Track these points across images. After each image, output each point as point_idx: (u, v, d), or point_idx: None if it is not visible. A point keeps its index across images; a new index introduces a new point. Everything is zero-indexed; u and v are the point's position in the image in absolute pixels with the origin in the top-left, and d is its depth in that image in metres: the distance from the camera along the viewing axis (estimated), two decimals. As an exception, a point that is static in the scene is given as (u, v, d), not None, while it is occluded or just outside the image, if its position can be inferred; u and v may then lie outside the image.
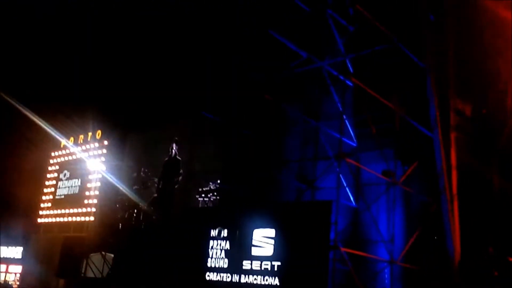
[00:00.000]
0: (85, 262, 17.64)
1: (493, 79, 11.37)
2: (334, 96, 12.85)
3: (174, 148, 15.82)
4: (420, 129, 11.86)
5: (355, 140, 12.92)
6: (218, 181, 15.06)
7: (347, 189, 12.47)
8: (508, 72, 11.54)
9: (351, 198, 12.60)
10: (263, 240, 11.15)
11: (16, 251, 24.23)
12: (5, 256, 24.25)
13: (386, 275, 11.60)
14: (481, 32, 11.15)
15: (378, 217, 11.88)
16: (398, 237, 11.63)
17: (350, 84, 11.88)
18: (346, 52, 11.89)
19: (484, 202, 11.15)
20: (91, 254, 17.63)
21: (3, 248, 25.32)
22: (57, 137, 20.71)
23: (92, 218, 18.88)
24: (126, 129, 19.40)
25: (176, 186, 15.49)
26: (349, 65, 12.26)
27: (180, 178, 15.21)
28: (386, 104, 11.70)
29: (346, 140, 12.47)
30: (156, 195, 15.65)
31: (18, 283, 22.66)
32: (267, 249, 11.06)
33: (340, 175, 11.71)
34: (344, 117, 12.06)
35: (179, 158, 15.66)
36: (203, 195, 15.16)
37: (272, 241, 10.99)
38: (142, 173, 16.70)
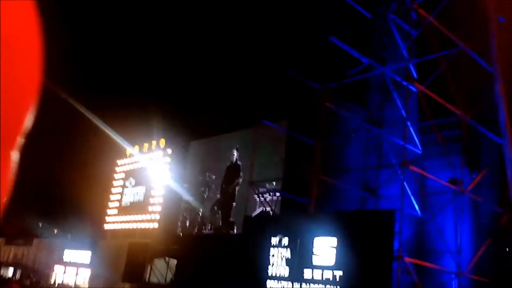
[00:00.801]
0: (149, 268, 18.01)
1: None
2: (398, 103, 12.55)
3: (235, 154, 16.57)
4: (488, 135, 11.38)
5: (420, 147, 12.55)
6: (274, 183, 15.11)
7: (411, 197, 12.11)
8: None
9: (416, 207, 12.23)
10: (325, 249, 10.98)
11: (85, 256, 25.10)
12: (75, 261, 25.18)
13: (453, 287, 11.16)
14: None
15: (445, 227, 11.45)
16: (465, 248, 11.17)
17: (414, 89, 11.57)
18: (409, 57, 11.59)
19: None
20: (155, 260, 17.98)
21: (74, 251, 26.28)
22: (123, 145, 21.32)
23: (156, 225, 19.27)
24: (189, 138, 19.75)
25: (237, 188, 16.21)
26: (413, 70, 11.94)
27: (241, 180, 15.91)
28: (452, 110, 11.31)
29: (410, 147, 12.13)
30: (219, 196, 16.62)
31: (87, 286, 23.43)
32: (329, 258, 10.88)
33: (404, 183, 11.41)
34: (408, 123, 11.74)
35: (239, 163, 16.37)
36: (260, 195, 15.36)
37: (334, 250, 10.79)
38: (206, 177, 17.55)
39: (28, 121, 0.41)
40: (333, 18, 12.57)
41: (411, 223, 11.88)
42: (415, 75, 12.10)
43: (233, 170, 16.42)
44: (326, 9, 12.77)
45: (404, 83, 11.91)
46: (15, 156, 0.41)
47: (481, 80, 11.31)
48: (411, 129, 12.29)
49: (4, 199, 0.41)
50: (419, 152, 12.49)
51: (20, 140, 0.41)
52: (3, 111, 0.37)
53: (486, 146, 11.51)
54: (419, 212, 12.19)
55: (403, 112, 12.23)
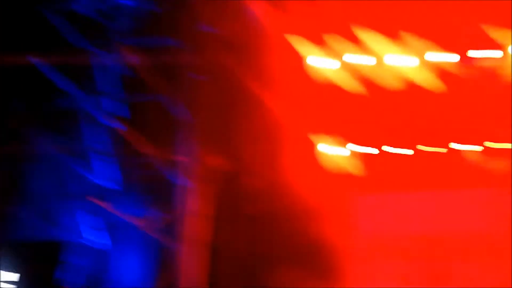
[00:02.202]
0: None
1: (243, 137, 12.59)
2: (91, 135, 12.67)
3: None
4: (170, 174, 12.39)
5: (108, 181, 12.83)
6: None
7: (94, 229, 12.23)
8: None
9: (99, 239, 12.39)
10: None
11: None
12: None
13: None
14: (236, 97, 12.32)
15: (126, 260, 11.95)
16: (143, 281, 11.82)
17: (112, 124, 11.97)
18: (115, 94, 12.01)
19: (231, 251, 12.23)
20: None
21: None
22: None
23: None
24: None
25: None
26: (115, 106, 12.37)
27: None
28: (145, 151, 12.04)
29: (98, 180, 12.36)
30: None
31: None
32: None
33: (88, 215, 11.51)
34: (100, 156, 12.03)
35: None
36: None
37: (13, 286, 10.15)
38: None
39: None
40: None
41: (92, 255, 11.98)
42: (117, 111, 12.52)
43: None
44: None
45: (102, 117, 12.19)
46: None
47: (173, 127, 12.35)
48: (103, 163, 12.53)
49: None
50: (107, 185, 12.78)
51: None
52: None
53: (171, 188, 12.47)
54: (101, 244, 12.37)
55: (95, 144, 12.46)
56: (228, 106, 12.13)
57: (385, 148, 12.61)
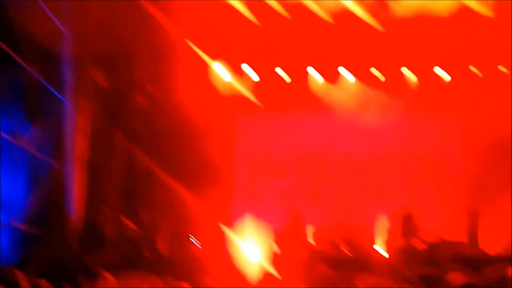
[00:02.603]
0: None
1: (133, 55, 12.11)
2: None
3: None
4: (52, 91, 11.62)
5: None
6: None
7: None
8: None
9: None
10: None
11: None
12: None
13: (3, 240, 11.09)
14: (128, 15, 11.62)
15: (5, 178, 11.19)
16: (20, 201, 11.26)
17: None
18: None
19: (112, 168, 11.98)
20: None
21: None
22: None
23: None
24: None
25: None
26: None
27: None
28: (16, 59, 11.04)
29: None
30: None
31: None
32: None
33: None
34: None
35: None
36: None
37: None
38: None
39: None
40: None
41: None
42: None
43: None
44: None
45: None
46: None
47: (56, 41, 11.39)
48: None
49: None
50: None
51: None
52: None
53: (48, 102, 11.68)
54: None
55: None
56: (119, 23, 11.40)
57: (270, 71, 13.10)
